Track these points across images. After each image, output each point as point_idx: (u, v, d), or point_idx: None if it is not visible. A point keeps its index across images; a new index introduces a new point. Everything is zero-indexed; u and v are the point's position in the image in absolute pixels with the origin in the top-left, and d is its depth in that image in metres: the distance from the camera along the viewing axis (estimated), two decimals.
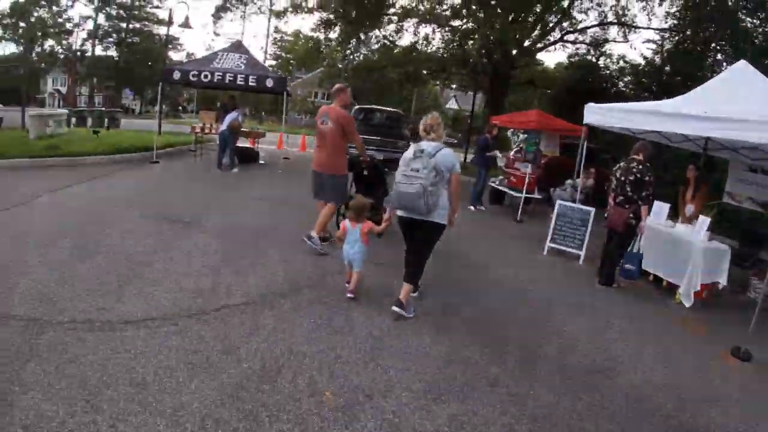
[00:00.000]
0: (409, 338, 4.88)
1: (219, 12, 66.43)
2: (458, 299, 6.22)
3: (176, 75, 14.33)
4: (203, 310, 4.91)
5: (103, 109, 33.15)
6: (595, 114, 9.08)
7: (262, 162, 16.63)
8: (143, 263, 6.04)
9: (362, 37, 24.13)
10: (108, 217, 8.07)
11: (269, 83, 14.28)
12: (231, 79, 14.00)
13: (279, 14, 26.41)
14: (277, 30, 67.65)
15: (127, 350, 4.02)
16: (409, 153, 5.08)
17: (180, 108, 56.20)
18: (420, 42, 23.70)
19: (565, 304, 6.72)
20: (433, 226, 5.22)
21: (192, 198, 10.28)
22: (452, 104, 61.59)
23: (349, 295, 5.63)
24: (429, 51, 23.44)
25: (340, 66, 23.13)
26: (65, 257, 6.01)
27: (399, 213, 5.32)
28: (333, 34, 24.41)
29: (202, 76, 14.00)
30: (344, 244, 5.67)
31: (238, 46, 15.90)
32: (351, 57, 24.71)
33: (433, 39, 23.53)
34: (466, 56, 21.82)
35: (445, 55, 22.92)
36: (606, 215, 8.03)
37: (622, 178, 7.66)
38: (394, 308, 5.20)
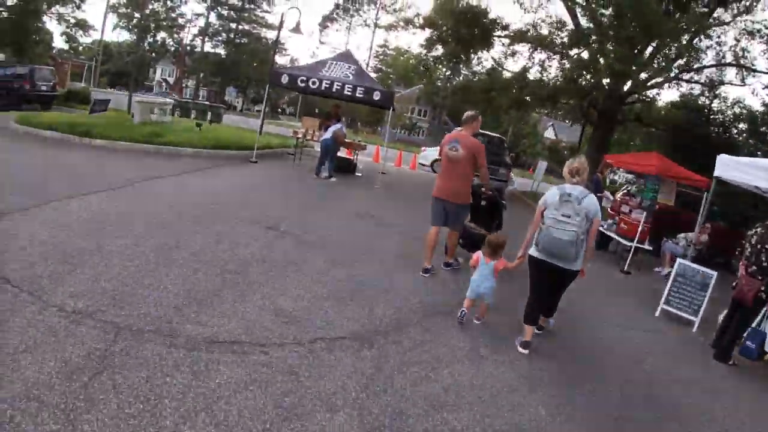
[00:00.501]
0: (523, 409, 4.10)
1: (325, 21, 68.81)
2: (569, 364, 5.34)
3: (284, 79, 14.17)
4: (298, 339, 4.31)
5: (208, 103, 34.07)
6: (730, 168, 7.97)
7: (359, 174, 16.21)
8: (235, 272, 5.55)
9: (468, 57, 23.44)
10: (201, 215, 7.73)
11: (376, 96, 13.83)
12: (338, 88, 13.69)
13: (389, 27, 26.21)
14: (382, 44, 68.65)
15: (210, 378, 3.48)
16: (553, 197, 4.95)
17: (279, 110, 57.53)
18: (533, 68, 22.73)
19: (680, 380, 5.70)
20: (572, 273, 5.07)
21: (289, 205, 9.82)
22: (549, 133, 59.92)
23: (476, 321, 5.61)
24: (542, 78, 22.42)
25: (439, 84, 22.61)
26: (152, 255, 5.63)
27: (538, 256, 5.08)
28: (436, 52, 23.87)
29: (310, 83, 13.79)
30: (474, 275, 5.55)
31: (347, 56, 15.59)
32: (452, 77, 24.05)
33: (549, 66, 22.49)
34: (582, 87, 20.67)
35: (558, 84, 21.84)
36: (734, 284, 6.97)
37: (758, 246, 6.64)
38: (522, 350, 5.12)
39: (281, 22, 25.91)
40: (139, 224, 6.65)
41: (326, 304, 5.20)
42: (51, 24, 52.12)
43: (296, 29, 23.41)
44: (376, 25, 63.96)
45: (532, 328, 5.23)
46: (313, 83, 13.79)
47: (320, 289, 5.54)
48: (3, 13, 33.88)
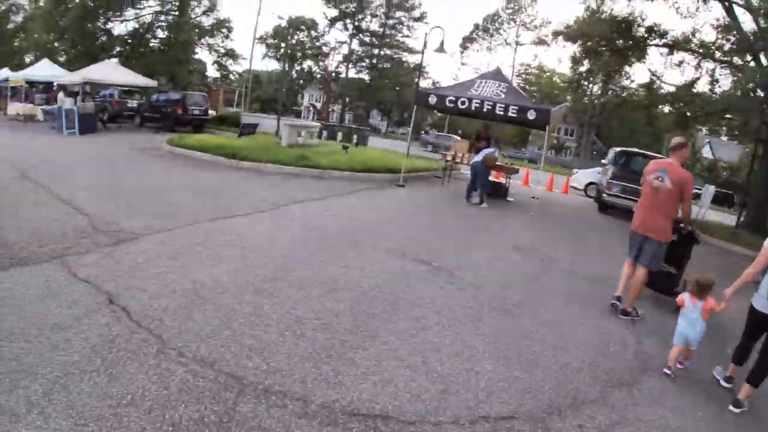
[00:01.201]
0: None
1: (465, 42, 68.37)
2: None
3: (432, 99, 13.48)
4: (456, 416, 3.29)
5: (353, 126, 34.63)
6: None
7: (510, 199, 14.99)
8: (381, 317, 4.68)
9: (622, 69, 21.50)
10: (346, 243, 7.07)
11: (531, 115, 12.64)
12: (489, 107, 12.71)
13: (538, 42, 24.97)
14: (523, 62, 67.05)
15: None
16: None
17: (423, 132, 57.68)
18: (701, 79, 20.26)
19: None
20: None
21: (439, 234, 8.84)
22: (706, 151, 54.31)
23: (679, 366, 4.81)
24: (713, 91, 19.83)
25: (586, 101, 20.91)
26: (290, 290, 4.96)
27: (760, 308, 4.31)
28: (584, 67, 22.19)
29: (459, 103, 12.96)
30: (680, 319, 4.83)
31: (497, 74, 14.57)
32: (602, 94, 22.28)
33: (720, 77, 19.90)
34: (763, 99, 17.83)
35: (731, 98, 19.05)
36: None
37: None
38: (733, 408, 4.22)
39: (425, 43, 25.59)
40: (278, 253, 6.12)
41: (487, 365, 4.08)
42: (203, 54, 57.22)
43: (440, 48, 22.80)
44: (517, 44, 62.67)
45: (752, 388, 4.25)
46: (462, 103, 12.94)
47: (479, 344, 4.46)
48: (157, 44, 37.47)
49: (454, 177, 16.73)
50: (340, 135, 27.66)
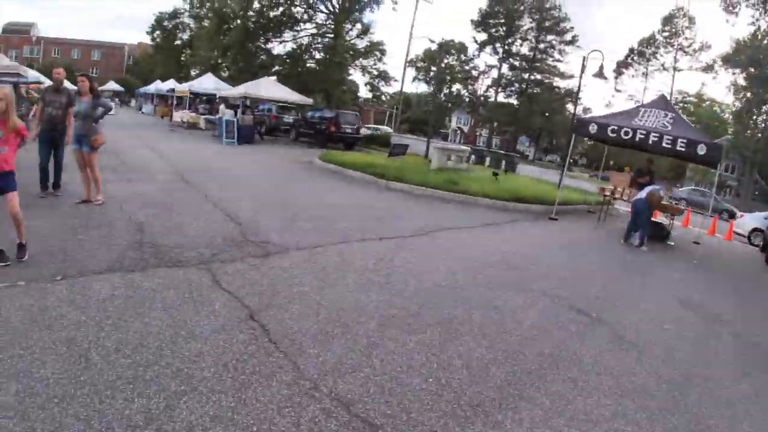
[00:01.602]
0: None
1: (620, 67, 64.70)
2: None
3: (592, 128, 12.51)
4: None
5: (502, 152, 33.96)
6: None
7: (671, 243, 13.48)
8: (537, 374, 4.05)
9: None
10: (494, 280, 6.49)
11: (701, 150, 11.23)
12: (655, 139, 11.50)
13: (706, 69, 22.83)
14: (681, 90, 62.00)
15: None
16: None
17: (572, 161, 55.51)
18: None
19: None
20: None
21: (596, 279, 7.81)
22: None
23: None
24: None
25: (749, 134, 18.45)
26: (437, 329, 4.49)
27: None
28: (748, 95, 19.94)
29: (622, 133, 11.88)
30: None
31: (662, 102, 13.24)
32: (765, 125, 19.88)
33: None
34: None
35: None
36: None
37: None
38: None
39: (583, 67, 24.14)
40: (426, 284, 5.69)
41: None
42: (356, 75, 59.99)
43: (600, 74, 21.51)
44: (675, 69, 58.12)
45: None
46: (626, 133, 11.84)
47: (645, 422, 3.62)
48: (313, 64, 39.49)
49: (610, 213, 15.47)
50: (488, 160, 27.14)
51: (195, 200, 8.30)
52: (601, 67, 21.77)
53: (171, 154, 14.78)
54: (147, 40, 69.99)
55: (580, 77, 25.09)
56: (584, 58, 23.74)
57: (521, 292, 6.08)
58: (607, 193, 14.64)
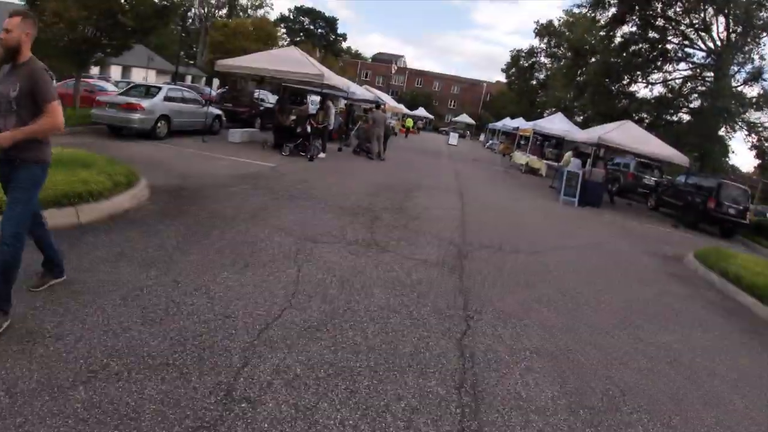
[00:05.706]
0: None
1: None
2: None
3: None
4: None
5: None
6: None
7: None
8: None
9: None
10: None
11: None
12: None
13: None
14: None
15: None
16: None
17: None
18: None
19: None
20: None
21: None
22: None
23: None
24: None
25: None
26: None
27: None
28: None
29: None
30: None
31: None
32: None
33: None
34: None
35: None
36: None
37: None
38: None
39: None
40: None
41: None
42: (738, 134, 44.69)
43: None
44: None
45: None
46: None
47: None
48: (687, 113, 30.44)
49: None
50: None
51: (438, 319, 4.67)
52: None
53: (476, 207, 11.67)
54: (503, 78, 70.68)
55: None
56: None
57: None
58: None
